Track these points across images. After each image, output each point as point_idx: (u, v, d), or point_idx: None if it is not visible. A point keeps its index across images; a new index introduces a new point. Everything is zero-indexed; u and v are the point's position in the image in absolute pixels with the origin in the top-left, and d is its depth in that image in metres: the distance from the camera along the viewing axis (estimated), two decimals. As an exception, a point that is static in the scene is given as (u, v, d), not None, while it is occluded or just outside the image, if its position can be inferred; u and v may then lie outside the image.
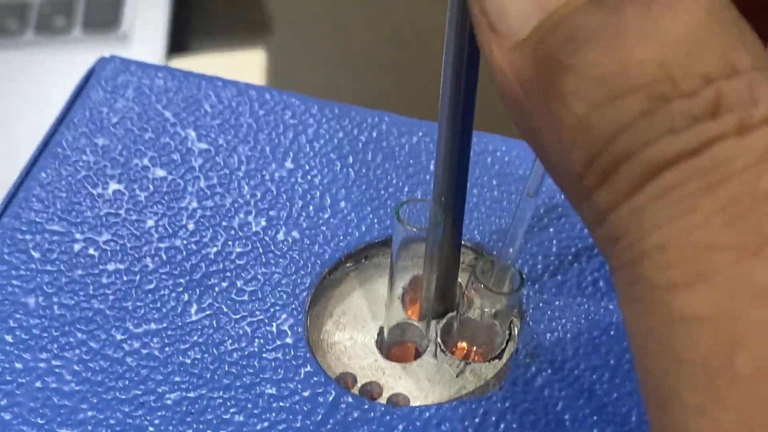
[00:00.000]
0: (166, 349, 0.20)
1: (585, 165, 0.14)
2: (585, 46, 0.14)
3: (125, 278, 0.21)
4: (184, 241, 0.22)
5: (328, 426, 0.19)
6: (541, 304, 0.21)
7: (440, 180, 0.20)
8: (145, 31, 0.53)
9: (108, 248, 0.21)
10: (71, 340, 0.20)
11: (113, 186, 0.23)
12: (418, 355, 0.21)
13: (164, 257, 0.21)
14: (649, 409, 0.14)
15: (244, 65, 0.52)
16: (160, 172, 0.23)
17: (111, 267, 0.21)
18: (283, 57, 0.56)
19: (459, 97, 0.19)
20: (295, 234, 0.22)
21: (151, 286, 0.21)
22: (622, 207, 0.14)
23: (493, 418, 0.20)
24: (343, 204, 0.23)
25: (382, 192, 0.23)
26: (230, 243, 0.22)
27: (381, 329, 0.21)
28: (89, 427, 0.19)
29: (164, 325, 0.20)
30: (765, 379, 0.13)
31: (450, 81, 0.19)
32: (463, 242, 0.22)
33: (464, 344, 0.21)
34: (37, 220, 0.22)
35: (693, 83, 0.14)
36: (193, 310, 0.21)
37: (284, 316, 0.21)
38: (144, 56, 0.48)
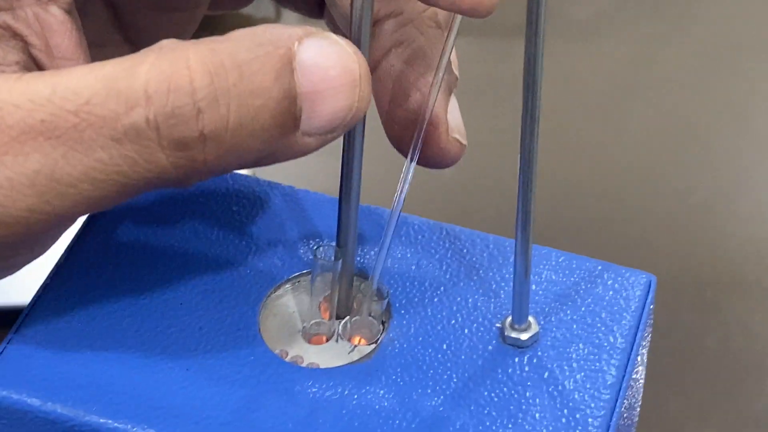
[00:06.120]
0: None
1: None
2: None
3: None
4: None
5: (270, 376, 0.33)
6: (402, 311, 0.35)
7: (340, 234, 0.34)
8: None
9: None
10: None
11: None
12: (327, 341, 0.35)
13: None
14: None
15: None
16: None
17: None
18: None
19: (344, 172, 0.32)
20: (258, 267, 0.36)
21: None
22: None
23: (368, 376, 0.33)
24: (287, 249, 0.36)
25: (311, 243, 0.36)
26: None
27: (305, 325, 0.35)
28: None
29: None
30: None
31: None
32: (357, 273, 0.35)
33: (355, 334, 0.35)
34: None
35: None
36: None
37: (246, 311, 0.34)
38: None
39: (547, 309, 0.34)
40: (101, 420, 0.32)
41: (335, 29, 0.35)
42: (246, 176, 0.38)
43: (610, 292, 0.35)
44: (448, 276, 0.35)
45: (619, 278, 0.35)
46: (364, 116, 0.32)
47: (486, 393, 0.32)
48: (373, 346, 0.34)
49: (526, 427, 0.32)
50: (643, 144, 0.71)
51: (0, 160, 0.27)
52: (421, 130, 0.33)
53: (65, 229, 0.31)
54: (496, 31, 0.74)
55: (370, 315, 0.34)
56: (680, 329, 0.60)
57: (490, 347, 0.33)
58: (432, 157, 0.34)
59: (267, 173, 0.39)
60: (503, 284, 0.35)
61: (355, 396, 0.32)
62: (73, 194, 0.27)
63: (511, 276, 0.35)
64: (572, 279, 0.35)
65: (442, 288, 0.35)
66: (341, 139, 0.32)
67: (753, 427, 0.57)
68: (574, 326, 0.34)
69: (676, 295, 0.61)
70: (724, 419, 0.57)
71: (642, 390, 0.37)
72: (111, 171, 0.27)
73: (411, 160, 0.33)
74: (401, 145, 0.34)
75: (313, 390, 0.32)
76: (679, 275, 0.62)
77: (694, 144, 0.71)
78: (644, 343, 0.35)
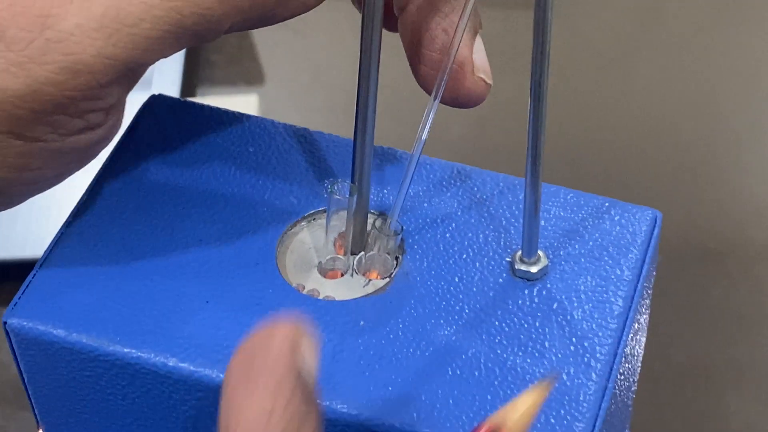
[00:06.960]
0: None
1: None
2: None
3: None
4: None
5: (288, 308, 0.34)
6: (415, 246, 0.36)
7: (354, 171, 0.35)
8: (163, 79, 0.67)
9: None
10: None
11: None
12: (342, 276, 0.36)
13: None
14: None
15: (240, 108, 0.67)
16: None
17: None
18: (271, 103, 0.71)
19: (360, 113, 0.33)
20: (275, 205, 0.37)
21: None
22: None
23: (381, 307, 0.34)
24: (302, 188, 0.37)
25: (326, 182, 0.37)
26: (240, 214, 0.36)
27: (320, 261, 0.36)
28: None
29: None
30: None
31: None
32: (371, 210, 0.36)
33: (369, 269, 0.36)
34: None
35: None
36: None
37: (263, 246, 0.35)
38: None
39: (555, 244, 0.35)
40: (125, 350, 0.33)
41: None
42: (262, 119, 0.39)
43: (617, 228, 0.36)
44: (459, 213, 0.36)
45: (626, 214, 0.36)
46: (378, 57, 0.33)
47: (497, 323, 0.33)
48: (387, 280, 0.35)
49: (536, 355, 0.33)
50: (651, 95, 0.72)
51: (67, 9, 0.30)
52: (446, 69, 0.34)
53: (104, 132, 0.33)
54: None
55: (384, 251, 0.35)
56: (685, 280, 0.61)
57: (500, 280, 0.35)
58: (457, 96, 0.35)
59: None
60: (513, 220, 0.36)
61: (371, 326, 0.33)
62: (136, 34, 0.30)
63: (521, 213, 0.36)
64: (580, 215, 0.36)
65: (453, 224, 0.36)
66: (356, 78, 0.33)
67: (756, 377, 0.58)
68: (582, 260, 0.35)
69: (681, 246, 0.62)
70: (727, 368, 0.58)
71: (647, 326, 0.38)
72: (168, 7, 0.30)
73: (435, 99, 0.34)
74: (427, 85, 0.35)
75: (330, 321, 0.33)
76: (683, 226, 0.63)
77: (700, 97, 0.72)
78: (650, 278, 0.36)
